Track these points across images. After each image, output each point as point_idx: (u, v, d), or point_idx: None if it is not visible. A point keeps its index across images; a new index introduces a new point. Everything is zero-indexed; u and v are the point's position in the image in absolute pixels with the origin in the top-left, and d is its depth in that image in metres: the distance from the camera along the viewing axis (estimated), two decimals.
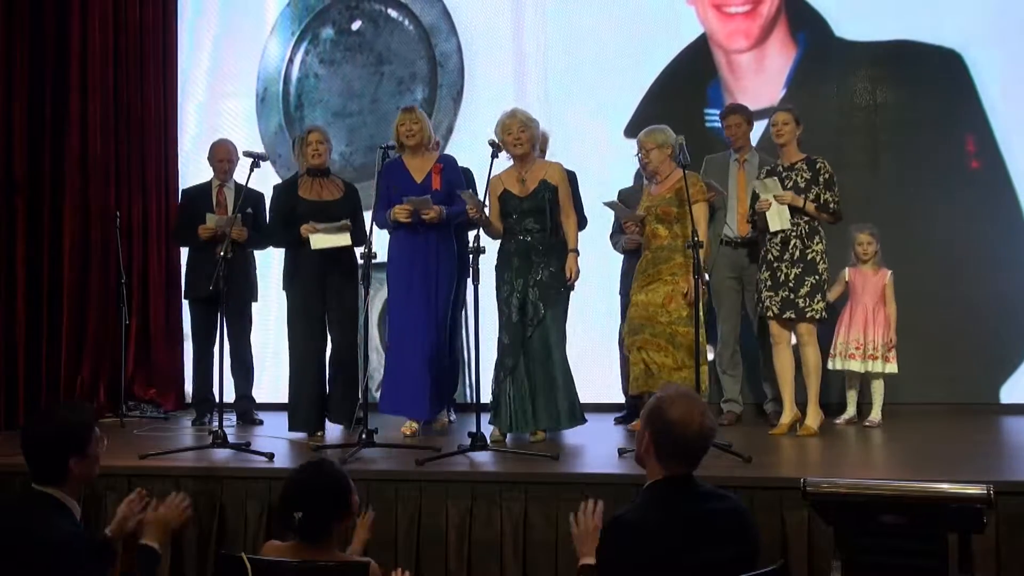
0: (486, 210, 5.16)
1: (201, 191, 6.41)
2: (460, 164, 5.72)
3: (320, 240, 5.41)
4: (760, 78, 7.06)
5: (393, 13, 7.94)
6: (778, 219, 5.28)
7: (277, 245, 5.99)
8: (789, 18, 7.14)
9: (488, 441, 4.70)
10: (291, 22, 8.01)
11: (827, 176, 5.31)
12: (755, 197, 5.47)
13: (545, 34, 7.54)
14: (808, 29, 7.09)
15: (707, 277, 5.48)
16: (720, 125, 6.00)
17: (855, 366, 5.65)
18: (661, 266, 5.21)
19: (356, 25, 7.99)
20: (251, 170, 5.38)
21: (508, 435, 5.22)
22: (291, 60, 8.00)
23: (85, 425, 2.89)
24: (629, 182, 6.19)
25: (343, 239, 5.41)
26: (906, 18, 6.81)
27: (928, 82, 6.72)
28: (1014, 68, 6.57)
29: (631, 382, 5.31)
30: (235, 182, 6.35)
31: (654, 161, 5.31)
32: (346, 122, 7.72)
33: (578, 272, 5.31)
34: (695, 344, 4.92)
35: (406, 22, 7.92)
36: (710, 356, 5.86)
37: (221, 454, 4.85)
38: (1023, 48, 6.57)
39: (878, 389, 5.70)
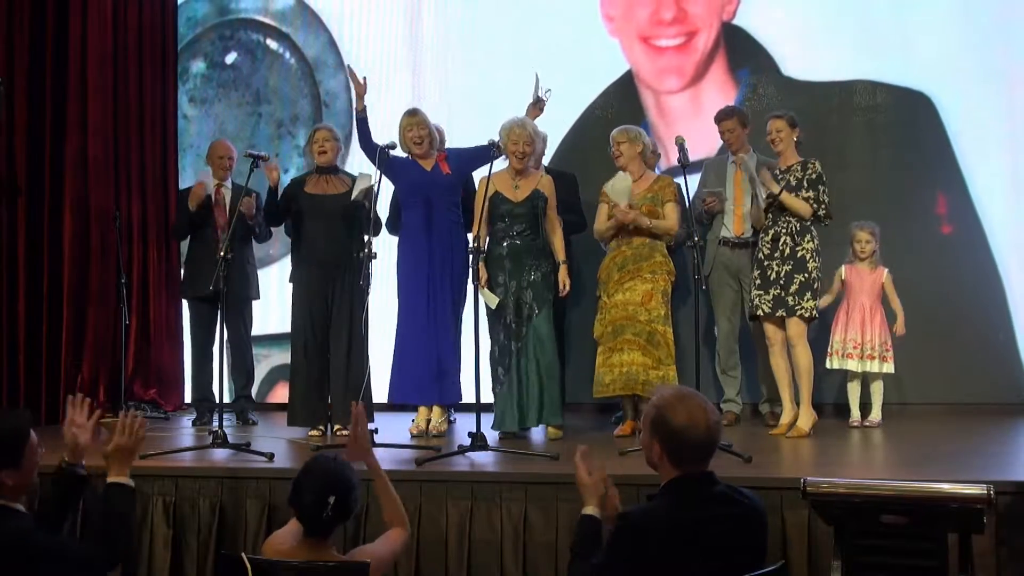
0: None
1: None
2: None
3: (361, 190, 5.29)
4: (695, 123, 6.37)
5: (272, 44, 7.24)
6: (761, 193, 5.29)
7: (270, 222, 6.03)
8: (729, 53, 6.60)
9: (487, 441, 4.71)
10: None
11: (813, 176, 5.31)
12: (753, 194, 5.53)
13: (447, 70, 6.95)
14: (751, 65, 6.57)
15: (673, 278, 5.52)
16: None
17: (852, 365, 5.65)
18: (642, 263, 5.35)
19: (230, 58, 7.35)
20: (251, 170, 5.39)
21: (517, 432, 5.26)
22: None
23: (17, 434, 2.72)
24: None
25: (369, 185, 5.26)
26: (868, 55, 6.45)
27: (892, 125, 6.44)
28: (976, 108, 6.41)
29: (606, 385, 5.35)
30: (233, 182, 6.36)
31: (625, 156, 5.45)
32: None
33: (569, 284, 5.38)
34: (695, 344, 4.98)
35: (287, 55, 7.22)
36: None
37: (221, 454, 4.85)
38: (983, 88, 6.39)
39: (877, 389, 5.70)
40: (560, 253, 5.41)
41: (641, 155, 5.50)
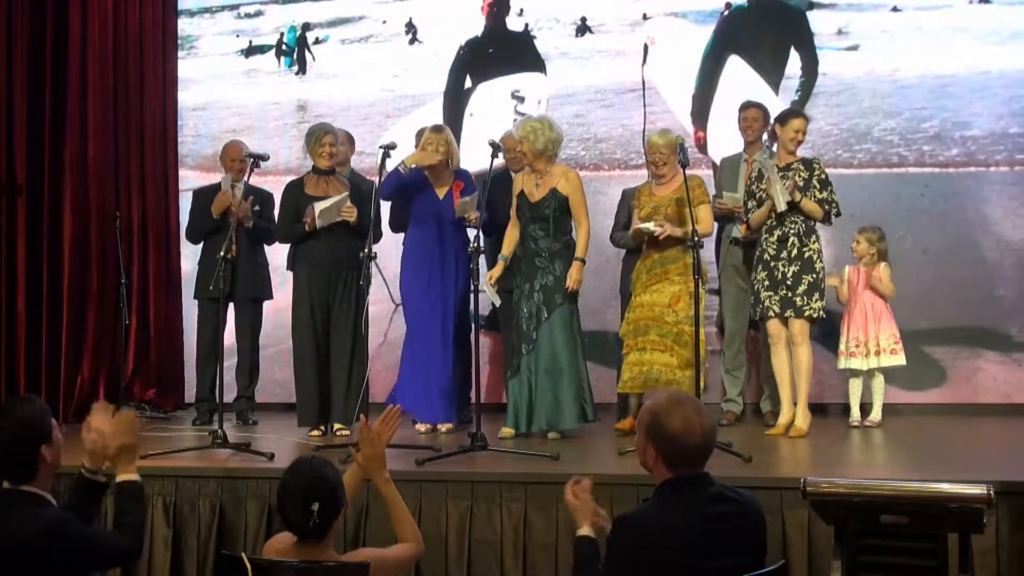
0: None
1: (213, 191, 6.41)
2: None
3: (324, 214, 5.41)
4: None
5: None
6: (782, 196, 5.25)
7: (284, 241, 5.99)
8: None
9: (487, 441, 4.71)
10: None
11: (822, 176, 5.32)
12: (748, 196, 5.51)
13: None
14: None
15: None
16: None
17: (857, 364, 5.63)
18: (669, 266, 5.31)
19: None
20: (251, 169, 5.39)
21: (520, 433, 5.26)
22: None
23: (46, 412, 2.87)
24: None
25: (342, 200, 5.41)
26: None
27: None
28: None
29: (626, 381, 5.36)
30: (245, 183, 6.33)
31: (670, 162, 5.36)
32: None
33: (579, 282, 5.32)
34: (695, 344, 4.98)
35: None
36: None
37: (221, 454, 4.85)
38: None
39: (878, 388, 5.68)
40: (580, 250, 5.34)
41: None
